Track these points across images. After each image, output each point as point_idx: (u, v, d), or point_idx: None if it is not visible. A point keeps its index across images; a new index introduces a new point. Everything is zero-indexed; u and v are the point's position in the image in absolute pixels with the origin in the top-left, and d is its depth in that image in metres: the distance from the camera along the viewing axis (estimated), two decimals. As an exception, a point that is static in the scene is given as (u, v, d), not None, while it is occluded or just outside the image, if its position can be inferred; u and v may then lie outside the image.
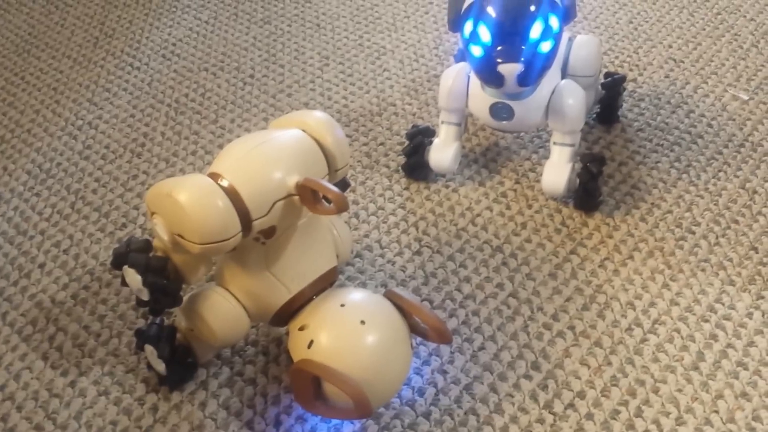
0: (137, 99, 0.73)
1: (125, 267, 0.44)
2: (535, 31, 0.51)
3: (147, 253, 0.44)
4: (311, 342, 0.42)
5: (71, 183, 0.64)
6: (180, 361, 0.46)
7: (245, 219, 0.40)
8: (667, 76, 0.71)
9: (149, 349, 0.47)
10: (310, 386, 0.41)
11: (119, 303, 0.53)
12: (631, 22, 0.79)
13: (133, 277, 0.43)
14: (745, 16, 0.79)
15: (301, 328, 0.43)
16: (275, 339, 0.50)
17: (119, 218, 0.60)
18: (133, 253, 0.44)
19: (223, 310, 0.44)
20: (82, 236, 0.59)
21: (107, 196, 0.62)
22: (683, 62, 0.73)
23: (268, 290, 0.44)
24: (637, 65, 0.73)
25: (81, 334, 0.51)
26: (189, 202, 0.39)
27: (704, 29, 0.77)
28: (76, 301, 0.54)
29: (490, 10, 0.52)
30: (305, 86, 0.73)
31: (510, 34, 0.51)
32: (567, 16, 0.54)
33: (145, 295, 0.44)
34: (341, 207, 0.40)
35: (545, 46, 0.52)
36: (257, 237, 0.42)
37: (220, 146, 0.67)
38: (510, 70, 0.51)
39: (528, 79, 0.52)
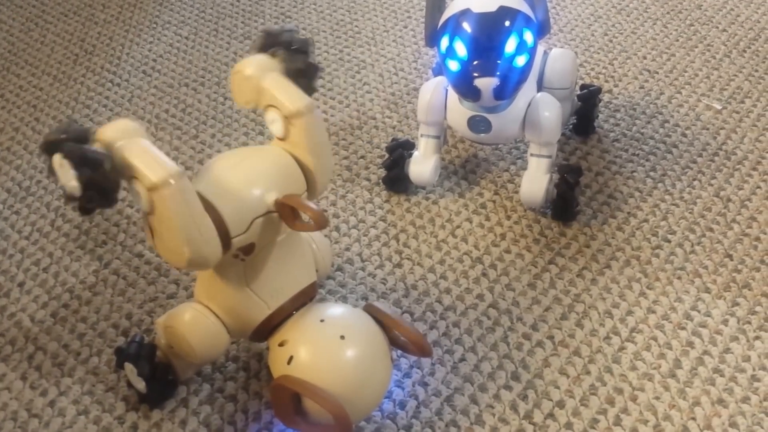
0: (117, 115, 0.73)
1: (57, 155, 0.38)
2: (510, 45, 0.52)
3: (85, 143, 0.38)
4: (291, 358, 0.42)
5: (51, 201, 0.64)
6: (160, 379, 0.46)
7: (224, 236, 0.40)
8: (641, 87, 0.73)
9: (129, 367, 0.46)
10: (290, 402, 0.41)
11: (99, 321, 0.53)
12: (606, 35, 0.80)
13: (66, 170, 0.38)
14: (717, 27, 0.80)
15: (281, 344, 0.43)
16: (256, 354, 0.50)
17: (99, 235, 0.60)
18: (70, 143, 0.38)
19: (202, 327, 0.44)
20: (62, 254, 0.58)
21: (87, 213, 0.62)
22: (657, 73, 0.74)
23: (247, 306, 0.44)
24: (612, 76, 0.74)
25: (60, 353, 0.51)
26: None
27: (678, 40, 0.79)
28: (55, 320, 0.53)
29: (466, 26, 0.52)
30: (286, 100, 0.74)
31: (486, 49, 0.52)
32: (541, 30, 0.55)
33: (76, 191, 0.38)
34: (320, 224, 0.40)
35: (520, 60, 0.52)
36: (236, 254, 0.42)
37: (201, 162, 0.67)
38: (486, 83, 0.52)
39: (504, 92, 0.53)
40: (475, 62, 0.52)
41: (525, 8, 0.54)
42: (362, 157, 0.66)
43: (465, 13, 0.53)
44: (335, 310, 0.44)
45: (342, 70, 0.77)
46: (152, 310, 0.53)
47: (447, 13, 0.54)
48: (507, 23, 0.52)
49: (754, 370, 0.48)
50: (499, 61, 0.52)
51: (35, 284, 0.56)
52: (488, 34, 0.52)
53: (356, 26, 0.84)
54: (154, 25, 0.86)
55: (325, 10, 0.87)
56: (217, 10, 0.88)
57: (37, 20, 0.88)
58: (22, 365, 0.50)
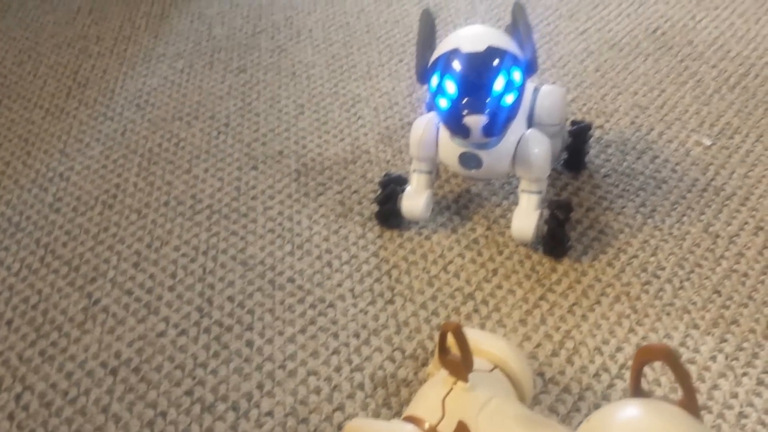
0: (110, 149, 0.75)
1: None
2: (499, 84, 0.55)
3: None
4: None
5: (41, 236, 0.66)
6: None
7: None
8: (632, 123, 0.76)
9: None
10: None
11: (88, 360, 0.54)
12: (597, 70, 0.84)
13: None
14: (707, 63, 0.84)
15: None
16: (245, 394, 0.52)
17: (89, 272, 0.62)
18: None
19: None
20: (50, 291, 0.60)
21: (77, 249, 0.64)
22: (648, 109, 0.78)
23: None
24: (603, 112, 0.77)
25: (48, 392, 0.52)
26: None
27: (668, 76, 0.82)
28: (43, 359, 0.55)
29: (456, 65, 0.55)
30: (280, 134, 0.76)
31: (475, 87, 0.55)
32: (529, 69, 0.58)
33: None
34: (465, 365, 0.41)
35: (509, 99, 0.55)
36: None
37: (193, 196, 0.70)
38: (475, 121, 0.55)
39: (493, 129, 0.55)
40: (464, 100, 0.55)
41: (513, 48, 0.57)
42: (355, 191, 0.69)
43: (454, 53, 0.56)
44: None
45: (337, 104, 0.80)
46: (141, 349, 0.55)
47: (437, 52, 0.57)
48: (495, 62, 0.55)
49: (741, 406, 0.49)
50: (487, 100, 0.54)
51: (23, 322, 0.57)
52: (477, 73, 0.55)
53: (351, 60, 0.87)
54: (149, 58, 0.89)
55: (321, 43, 0.90)
56: (213, 43, 0.91)
57: (29, 52, 0.91)
58: (9, 405, 0.51)
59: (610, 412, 0.35)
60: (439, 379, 0.44)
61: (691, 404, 0.34)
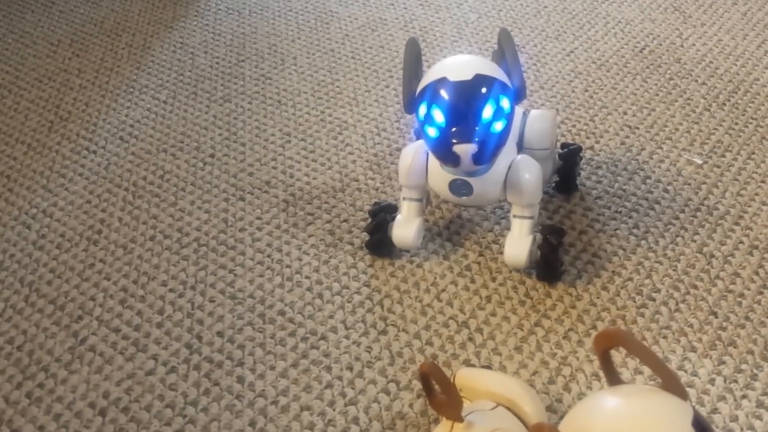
0: (93, 184, 0.77)
1: None
2: (487, 112, 0.57)
3: None
4: None
5: (25, 275, 0.67)
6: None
7: None
8: (623, 143, 0.78)
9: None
10: None
11: (76, 401, 0.55)
12: (586, 91, 0.87)
13: None
14: (696, 81, 0.87)
15: None
16: None
17: (75, 310, 0.63)
18: None
19: None
20: (36, 331, 0.61)
21: (62, 287, 0.65)
22: (638, 128, 0.80)
23: None
24: (593, 133, 0.80)
25: (35, 435, 0.53)
26: None
27: (658, 95, 0.85)
28: (30, 401, 0.55)
29: (443, 93, 0.58)
30: (267, 164, 0.78)
31: (463, 116, 0.57)
32: (517, 96, 0.60)
33: None
34: (451, 405, 0.41)
35: (498, 126, 0.58)
36: None
37: (180, 229, 0.71)
38: (465, 150, 0.57)
39: (482, 157, 0.58)
40: (453, 129, 0.57)
41: (501, 75, 0.59)
42: (345, 220, 0.71)
43: (442, 82, 0.58)
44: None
45: (324, 131, 0.82)
46: (130, 388, 0.56)
47: (424, 81, 0.60)
48: (483, 90, 0.57)
49: (741, 430, 0.51)
50: (476, 128, 0.57)
51: (9, 363, 0.58)
52: (465, 102, 0.57)
53: (337, 87, 0.89)
54: (131, 90, 0.91)
55: (306, 70, 0.93)
56: (196, 72, 0.94)
57: (10, 86, 0.93)
58: (-5, 450, 0.52)
59: (589, 403, 0.35)
60: (442, 423, 0.45)
61: (670, 384, 0.34)
